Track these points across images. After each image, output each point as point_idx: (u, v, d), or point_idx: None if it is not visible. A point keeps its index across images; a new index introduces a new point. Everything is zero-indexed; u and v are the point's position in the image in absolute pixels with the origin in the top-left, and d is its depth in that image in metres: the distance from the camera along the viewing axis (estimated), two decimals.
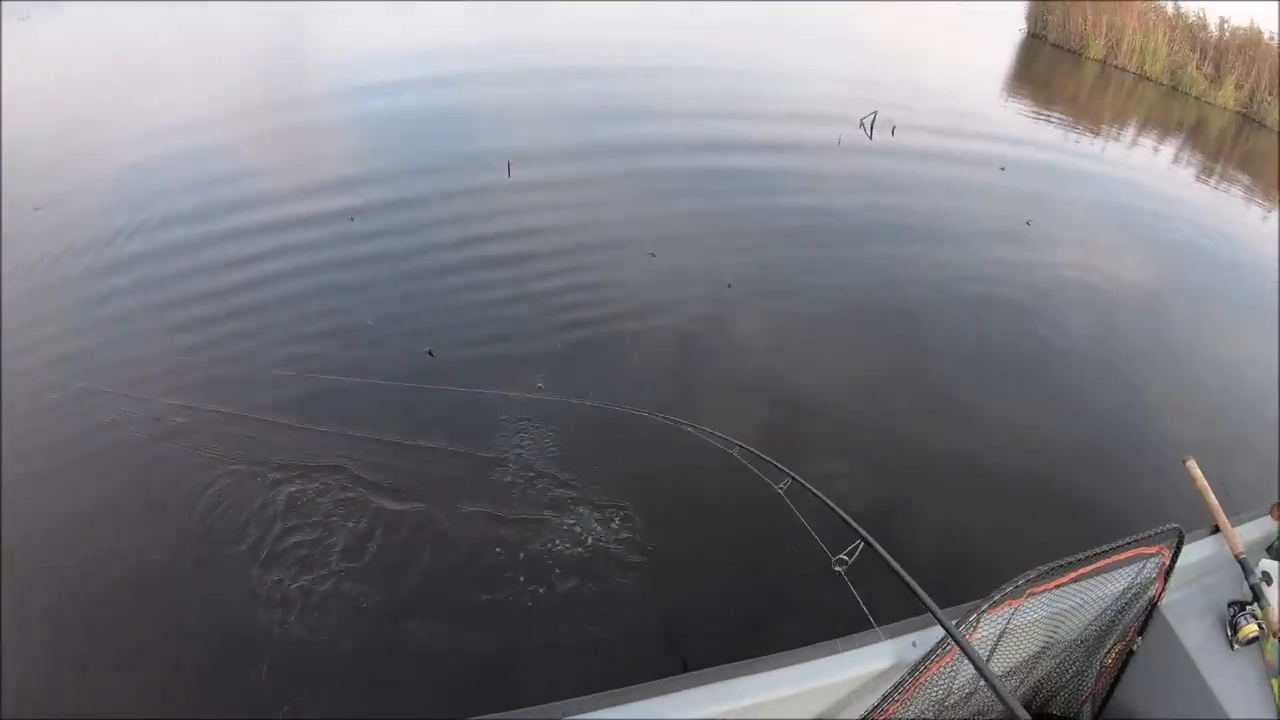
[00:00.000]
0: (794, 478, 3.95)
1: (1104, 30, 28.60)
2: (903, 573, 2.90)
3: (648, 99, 16.18)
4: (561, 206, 10.92)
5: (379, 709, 4.58)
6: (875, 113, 14.81)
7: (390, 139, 13.56)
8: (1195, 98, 25.59)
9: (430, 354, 7.44)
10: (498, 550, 5.39)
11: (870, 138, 14.25)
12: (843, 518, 3.44)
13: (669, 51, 21.28)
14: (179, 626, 4.94)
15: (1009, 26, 31.94)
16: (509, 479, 5.96)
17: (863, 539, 3.23)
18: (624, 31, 23.30)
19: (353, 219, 10.20)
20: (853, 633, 2.73)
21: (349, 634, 4.84)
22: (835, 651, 2.66)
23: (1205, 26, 26.67)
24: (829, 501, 3.61)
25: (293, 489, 5.74)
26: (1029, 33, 31.80)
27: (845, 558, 3.23)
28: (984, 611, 2.61)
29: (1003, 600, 2.65)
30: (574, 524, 5.61)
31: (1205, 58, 26.36)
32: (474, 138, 13.45)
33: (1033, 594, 2.72)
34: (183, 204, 10.65)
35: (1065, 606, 2.99)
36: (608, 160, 12.79)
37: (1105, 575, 3.00)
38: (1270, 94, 24.20)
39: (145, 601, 5.07)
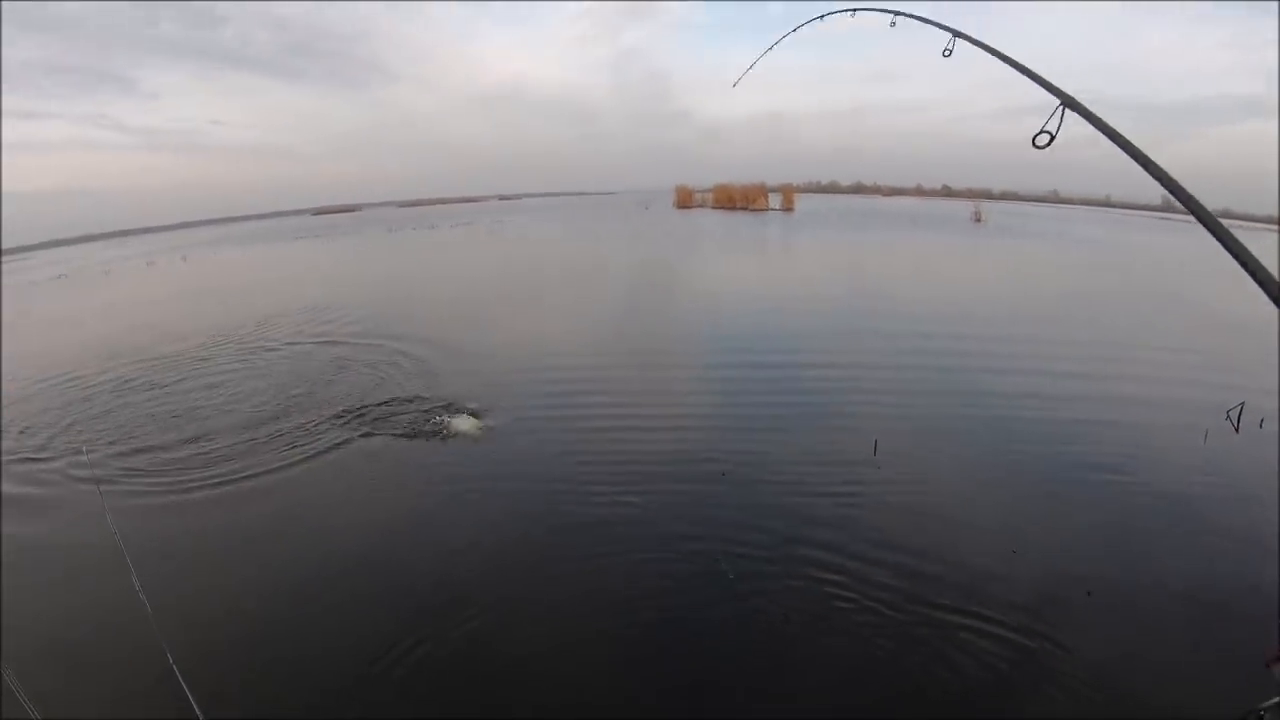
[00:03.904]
0: None
1: None
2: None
3: (997, 378, 16.17)
4: (922, 486, 10.92)
5: None
6: (1242, 404, 13.97)
7: (763, 399, 14.90)
8: None
9: (786, 618, 7.64)
10: None
11: (1237, 431, 13.41)
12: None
13: (1019, 323, 21.66)
14: None
15: None
16: None
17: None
18: (984, 307, 24.05)
19: (724, 474, 11.23)
20: None
21: None
22: None
23: None
24: None
25: None
26: None
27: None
28: None
29: None
30: None
31: None
32: (843, 412, 14.17)
33: None
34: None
35: None
36: (966, 440, 12.80)
37: None
38: None
39: None
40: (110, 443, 13.44)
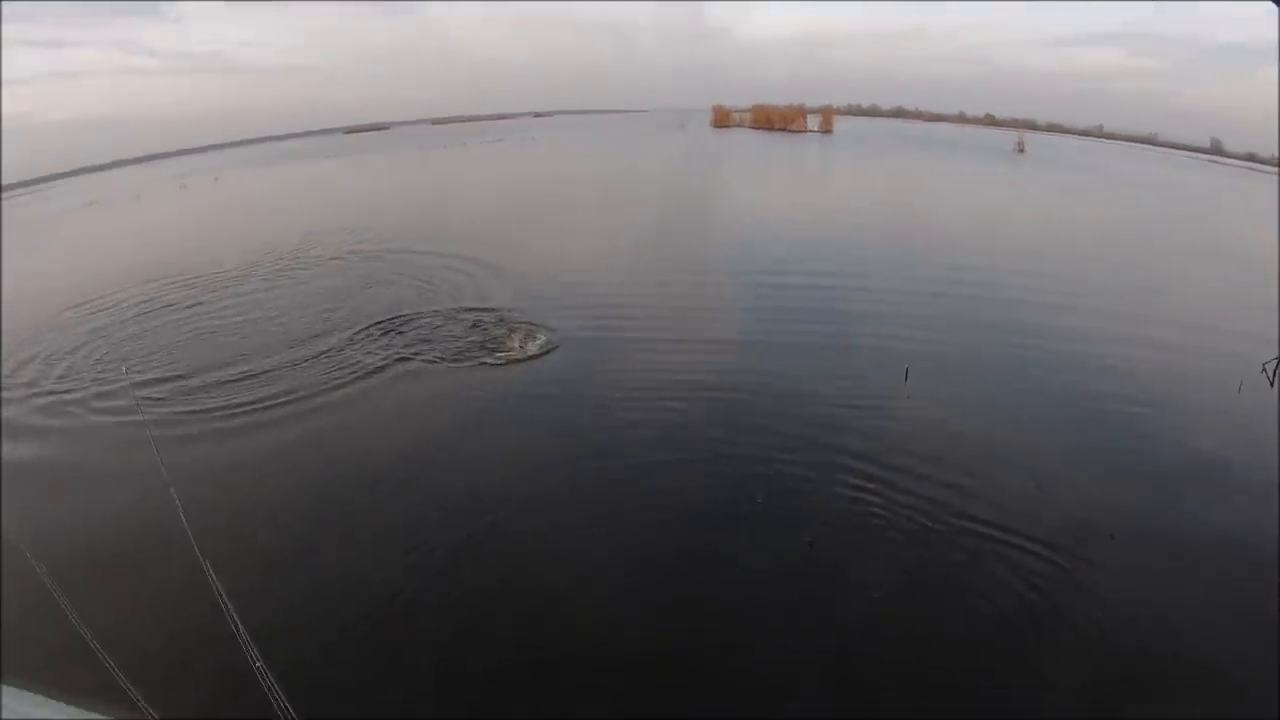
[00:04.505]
0: None
1: None
2: None
3: (1033, 313, 16.09)
4: (952, 416, 10.93)
5: None
6: (1279, 357, 13.58)
7: (797, 322, 15.05)
8: None
9: (810, 545, 7.86)
10: None
11: (1271, 384, 12.92)
12: None
13: (1057, 258, 21.04)
14: None
15: None
16: None
17: None
18: (1027, 244, 23.34)
19: (756, 393, 11.33)
20: None
21: None
22: None
23: None
24: None
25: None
26: None
27: None
28: None
29: None
30: None
31: None
32: (875, 338, 14.12)
33: None
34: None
35: None
36: (997, 373, 12.82)
37: None
38: None
39: None
40: (149, 367, 13.64)
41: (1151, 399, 11.92)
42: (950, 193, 36.31)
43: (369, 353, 13.52)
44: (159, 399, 12.12)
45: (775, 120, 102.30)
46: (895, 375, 11.99)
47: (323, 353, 13.66)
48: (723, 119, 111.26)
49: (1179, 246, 25.00)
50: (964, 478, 9.07)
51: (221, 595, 3.62)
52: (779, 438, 9.98)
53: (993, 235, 24.27)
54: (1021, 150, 79.10)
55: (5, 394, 12.97)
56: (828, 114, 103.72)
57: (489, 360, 12.93)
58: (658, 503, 8.57)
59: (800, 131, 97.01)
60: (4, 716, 3.79)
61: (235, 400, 11.95)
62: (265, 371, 13.00)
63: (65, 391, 12.90)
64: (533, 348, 13.21)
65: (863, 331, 14.42)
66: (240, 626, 3.56)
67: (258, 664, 3.47)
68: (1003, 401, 11.65)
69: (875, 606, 6.99)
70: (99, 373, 13.55)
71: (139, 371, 13.32)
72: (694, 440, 9.92)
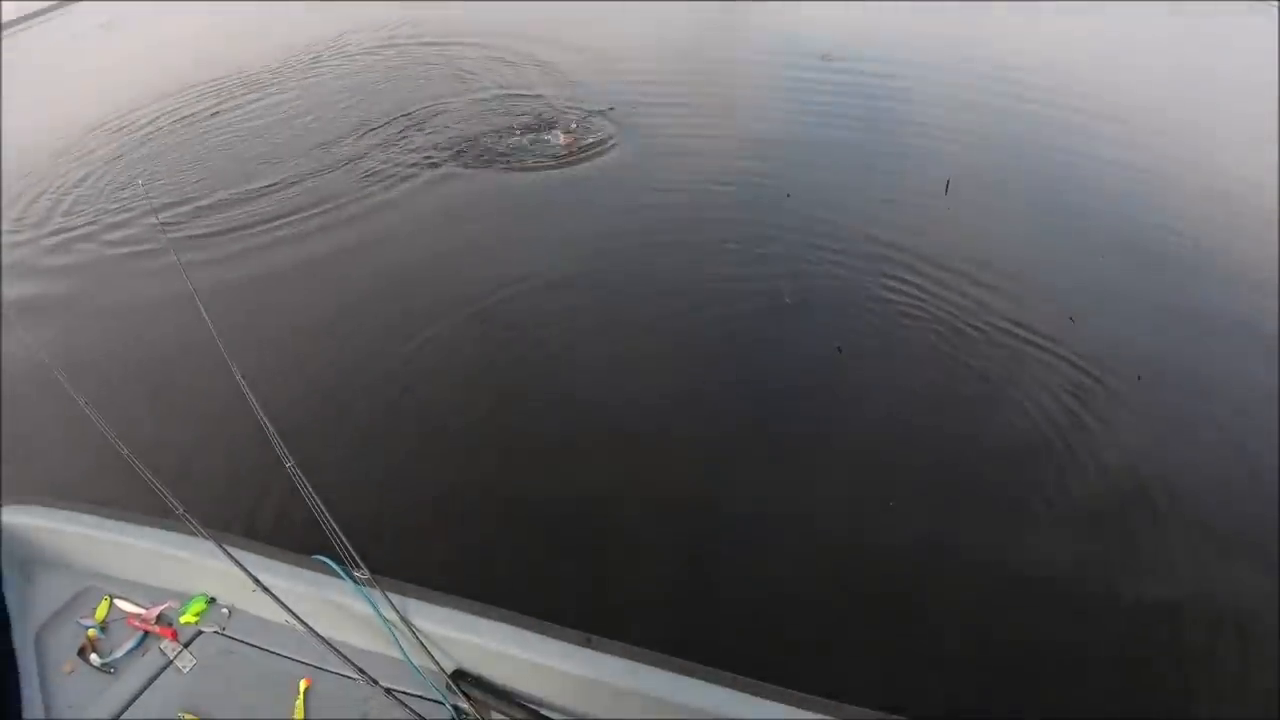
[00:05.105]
0: None
1: None
2: None
3: (1089, 143, 14.22)
4: (990, 233, 10.39)
5: None
6: None
7: (835, 120, 13.93)
8: None
9: (839, 350, 7.62)
10: None
11: None
12: None
13: (1122, 89, 19.59)
14: None
15: None
16: None
17: None
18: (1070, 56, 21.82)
19: (789, 195, 10.78)
20: None
21: None
22: None
23: None
24: None
25: None
26: None
27: None
28: None
29: None
30: None
31: None
32: (917, 146, 13.11)
33: None
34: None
35: None
36: (1042, 199, 11.88)
37: None
38: None
39: None
40: (165, 188, 12.50)
41: (1196, 243, 11.04)
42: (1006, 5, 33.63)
43: (404, 155, 12.57)
44: (178, 222, 11.26)
45: None
46: (937, 182, 11.40)
47: (353, 158, 12.67)
48: None
49: (1258, 98, 22.97)
50: (998, 291, 8.77)
51: (250, 397, 3.57)
52: (813, 237, 9.74)
53: (1052, 56, 22.20)
54: None
55: (11, 228, 11.82)
56: None
57: (535, 159, 12.13)
58: (687, 304, 8.44)
59: None
60: (5, 532, 3.75)
61: (257, 216, 11.19)
62: (291, 182, 12.07)
63: (77, 222, 11.87)
64: (581, 143, 12.33)
65: (907, 135, 13.53)
66: (270, 426, 3.51)
67: (289, 463, 3.42)
68: (1044, 227, 11.00)
69: (906, 412, 6.88)
70: (113, 199, 12.46)
71: (154, 196, 12.23)
72: (714, 242, 9.74)
